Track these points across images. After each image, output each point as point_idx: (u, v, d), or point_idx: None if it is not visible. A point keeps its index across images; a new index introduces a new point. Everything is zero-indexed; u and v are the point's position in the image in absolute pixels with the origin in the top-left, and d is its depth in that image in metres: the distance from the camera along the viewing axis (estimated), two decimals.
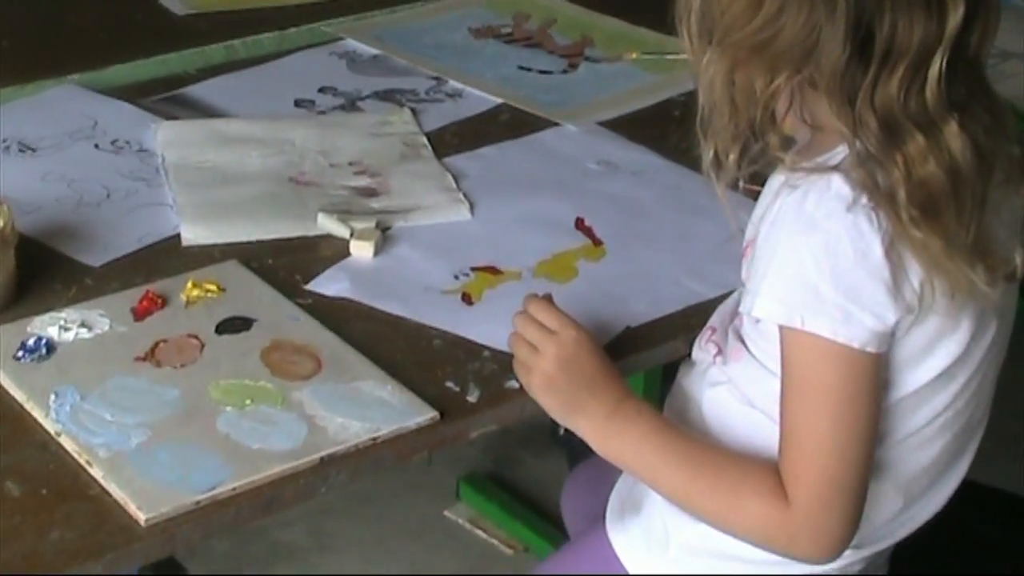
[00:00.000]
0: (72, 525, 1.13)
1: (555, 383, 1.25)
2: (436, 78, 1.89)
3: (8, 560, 1.10)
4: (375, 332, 1.37)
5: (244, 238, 1.51)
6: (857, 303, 1.14)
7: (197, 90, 1.82)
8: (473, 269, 1.48)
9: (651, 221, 1.58)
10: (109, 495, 1.15)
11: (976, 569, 1.48)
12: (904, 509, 1.30)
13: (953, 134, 1.13)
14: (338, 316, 1.38)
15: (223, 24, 1.99)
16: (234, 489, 1.16)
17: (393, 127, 1.75)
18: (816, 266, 1.14)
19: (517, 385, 1.29)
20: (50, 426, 1.22)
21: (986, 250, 1.16)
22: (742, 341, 1.28)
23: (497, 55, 1.97)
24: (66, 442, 1.20)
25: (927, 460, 1.28)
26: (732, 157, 1.19)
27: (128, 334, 1.33)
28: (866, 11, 1.11)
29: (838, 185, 1.14)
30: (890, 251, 1.14)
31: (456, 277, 1.46)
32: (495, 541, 2.28)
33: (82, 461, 1.18)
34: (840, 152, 1.16)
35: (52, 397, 1.24)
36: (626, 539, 1.39)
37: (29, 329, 1.33)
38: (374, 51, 1.96)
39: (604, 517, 1.42)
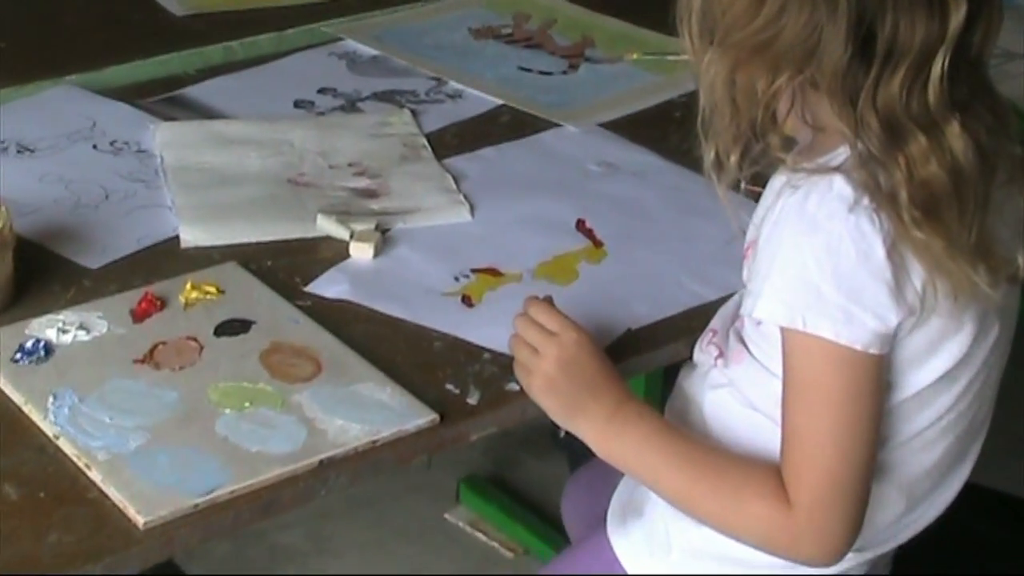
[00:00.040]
0: (70, 528, 1.13)
1: (556, 385, 1.25)
2: (436, 79, 1.88)
3: (6, 564, 1.10)
4: (375, 334, 1.37)
5: (243, 240, 1.50)
6: (859, 304, 1.14)
7: (196, 91, 1.82)
8: (473, 271, 1.48)
9: (652, 223, 1.58)
10: (107, 498, 1.15)
11: (980, 572, 1.48)
12: (907, 512, 1.30)
13: (955, 134, 1.13)
14: (338, 318, 1.38)
15: (222, 25, 1.99)
16: (233, 492, 1.16)
17: (393, 128, 1.75)
18: (818, 267, 1.14)
19: (517, 387, 1.29)
20: (48, 429, 1.22)
21: (988, 251, 1.16)
22: (743, 343, 1.27)
23: (497, 56, 1.97)
24: (64, 445, 1.20)
25: (930, 462, 1.28)
26: (733, 158, 1.18)
27: (127, 336, 1.33)
28: (868, 11, 1.10)
29: (840, 186, 1.14)
30: (892, 252, 1.13)
31: (456, 279, 1.46)
32: (495, 544, 2.28)
33: (80, 464, 1.18)
34: (842, 153, 1.16)
35: (50, 400, 1.24)
36: (627, 543, 1.38)
37: (27, 331, 1.32)
38: (374, 52, 1.95)
39: (605, 520, 1.41)
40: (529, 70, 1.93)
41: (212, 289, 1.39)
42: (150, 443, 1.20)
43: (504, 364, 1.31)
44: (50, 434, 1.21)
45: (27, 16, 2.00)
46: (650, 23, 1.99)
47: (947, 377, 1.23)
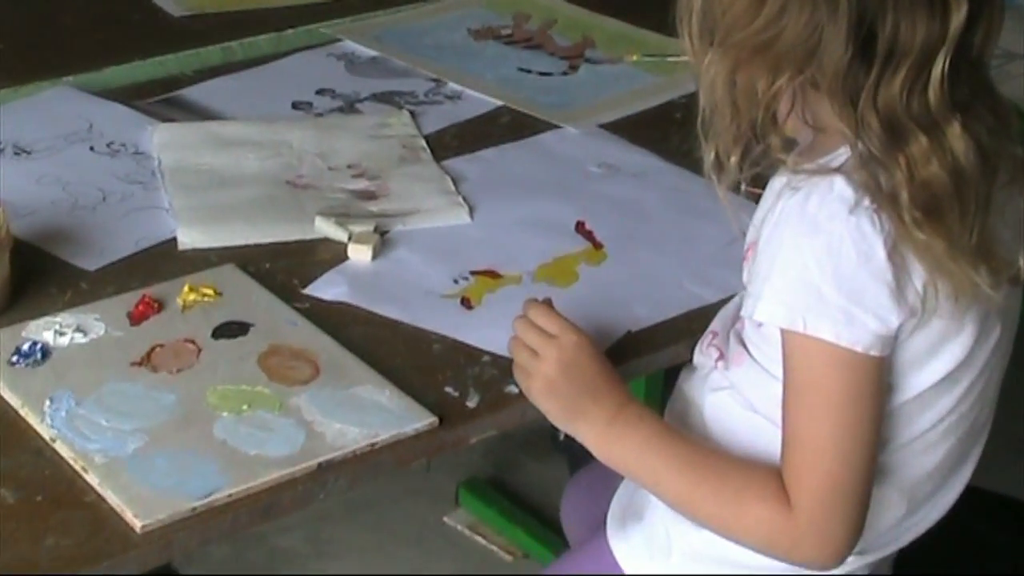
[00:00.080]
0: (67, 532, 1.12)
1: (556, 388, 1.25)
2: (435, 80, 1.88)
3: (3, 567, 1.09)
4: (373, 337, 1.36)
5: (241, 242, 1.50)
6: (860, 306, 1.14)
7: (194, 92, 1.82)
8: (473, 273, 1.47)
9: (653, 224, 1.58)
10: (105, 502, 1.15)
11: (981, 575, 1.47)
12: (908, 514, 1.30)
13: (956, 135, 1.13)
14: (336, 320, 1.38)
15: (220, 25, 1.98)
16: (231, 495, 1.16)
17: (392, 129, 1.74)
18: (819, 268, 1.14)
19: (517, 390, 1.29)
20: (45, 432, 1.21)
21: (990, 252, 1.16)
22: (744, 345, 1.27)
23: (497, 56, 1.96)
24: (61, 448, 1.20)
25: (931, 465, 1.28)
26: (733, 159, 1.18)
27: (124, 339, 1.33)
28: (868, 11, 1.10)
29: (840, 187, 1.14)
30: (893, 253, 1.13)
31: (455, 281, 1.46)
32: (494, 547, 2.27)
33: (77, 467, 1.18)
34: (842, 154, 1.16)
35: (47, 402, 1.24)
36: (628, 546, 1.38)
37: (24, 334, 1.32)
38: (372, 52, 1.95)
39: (605, 524, 1.41)
40: (529, 71, 1.93)
41: (210, 291, 1.39)
42: (148, 446, 1.20)
43: (503, 367, 1.31)
44: (47, 437, 1.21)
45: (24, 17, 2.00)
46: (650, 24, 1.99)
47: (948, 379, 1.23)
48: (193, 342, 1.32)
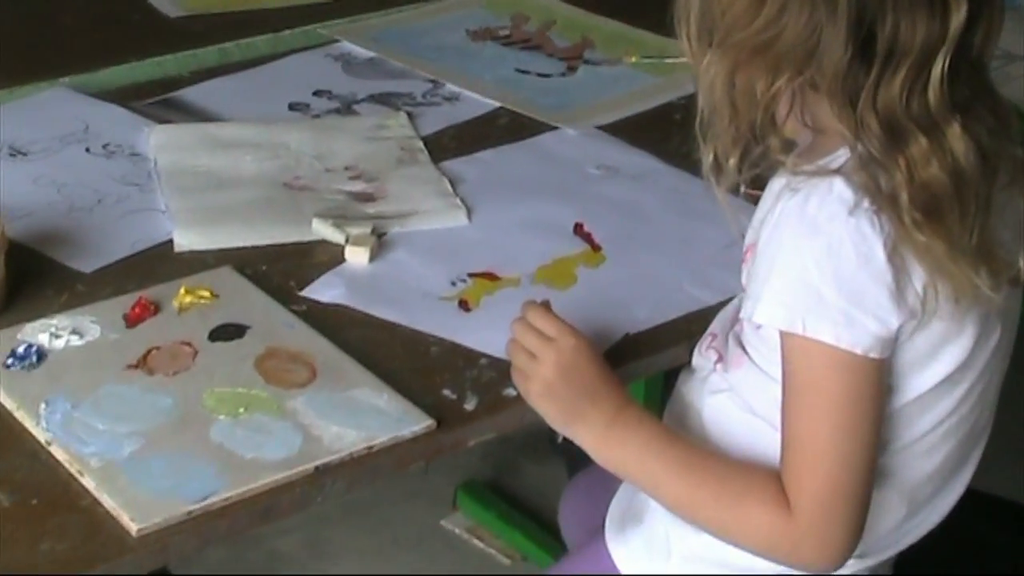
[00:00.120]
0: (63, 536, 1.12)
1: (554, 391, 1.24)
2: (433, 81, 1.88)
3: None
4: (371, 339, 1.36)
5: (238, 244, 1.49)
6: (860, 307, 1.13)
7: (190, 93, 1.81)
8: (471, 275, 1.47)
9: (652, 226, 1.57)
10: (101, 505, 1.15)
11: None
12: (908, 517, 1.29)
13: (956, 136, 1.12)
14: (333, 323, 1.37)
15: (216, 26, 1.98)
16: (227, 499, 1.16)
17: (389, 131, 1.74)
18: (818, 270, 1.13)
19: (515, 393, 1.28)
20: (41, 435, 1.21)
21: (990, 254, 1.16)
22: (743, 347, 1.27)
23: (495, 57, 1.96)
24: (57, 451, 1.19)
25: (931, 467, 1.28)
26: (732, 161, 1.18)
27: (120, 341, 1.32)
28: (868, 11, 1.10)
29: (840, 188, 1.13)
30: (893, 255, 1.13)
31: (453, 283, 1.45)
32: (493, 550, 2.27)
33: (73, 471, 1.17)
34: (841, 155, 1.16)
35: (43, 405, 1.23)
36: (627, 550, 1.38)
37: (19, 336, 1.32)
38: (370, 53, 1.94)
39: (604, 527, 1.41)
40: (527, 72, 1.92)
41: (206, 293, 1.39)
42: (144, 449, 1.19)
43: (502, 369, 1.30)
44: (42, 440, 1.20)
45: (20, 18, 2.00)
46: (650, 24, 1.98)
47: (949, 381, 1.23)
48: (189, 344, 1.32)
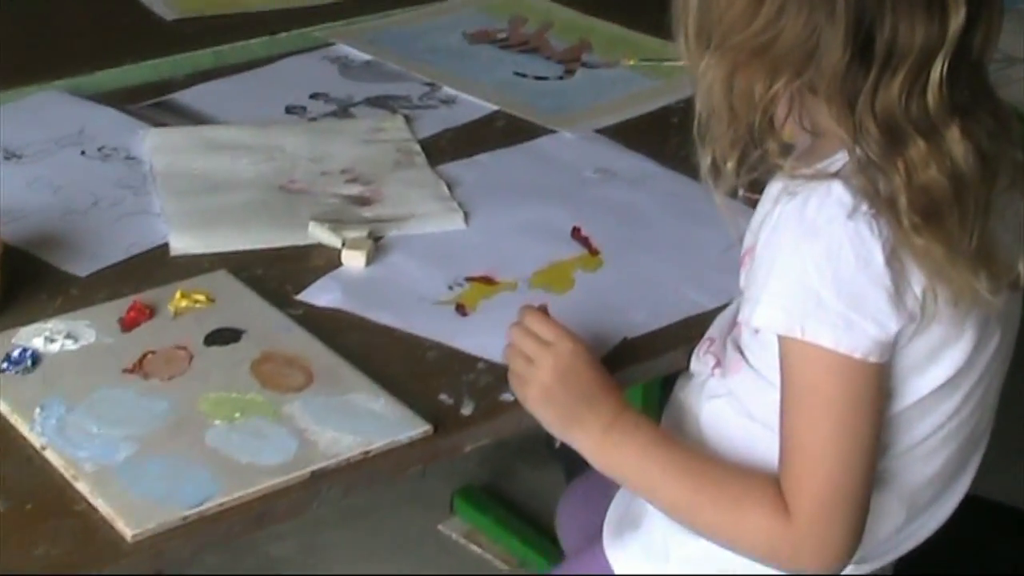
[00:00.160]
0: (58, 541, 1.12)
1: (552, 396, 1.24)
2: (430, 84, 1.87)
3: None
4: (367, 343, 1.36)
5: (234, 247, 1.49)
6: (859, 311, 1.13)
7: (186, 96, 1.81)
8: (467, 279, 1.46)
9: (650, 230, 1.57)
10: (95, 510, 1.14)
11: None
12: (908, 522, 1.29)
13: (955, 139, 1.12)
14: (330, 327, 1.37)
15: (212, 28, 1.98)
16: (223, 504, 1.15)
17: (386, 134, 1.74)
18: (818, 273, 1.13)
19: (512, 398, 1.28)
20: (35, 439, 1.21)
21: (990, 257, 1.15)
22: (741, 352, 1.27)
23: (492, 60, 1.96)
24: (51, 456, 1.19)
25: (931, 472, 1.27)
26: (730, 164, 1.18)
27: (115, 345, 1.32)
28: (866, 13, 1.10)
29: (839, 192, 1.13)
30: (892, 259, 1.12)
31: (450, 287, 1.45)
32: (490, 556, 2.27)
33: (68, 475, 1.17)
34: (840, 158, 1.15)
35: (37, 410, 1.23)
36: (624, 556, 1.37)
37: (14, 340, 1.31)
38: (366, 56, 1.94)
39: (601, 533, 1.40)
40: (525, 75, 1.92)
41: (202, 297, 1.38)
42: (139, 454, 1.19)
43: (499, 374, 1.30)
44: (37, 445, 1.20)
45: (15, 20, 1.99)
46: (648, 26, 1.98)
47: (948, 385, 1.22)
48: (185, 349, 1.32)
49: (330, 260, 1.48)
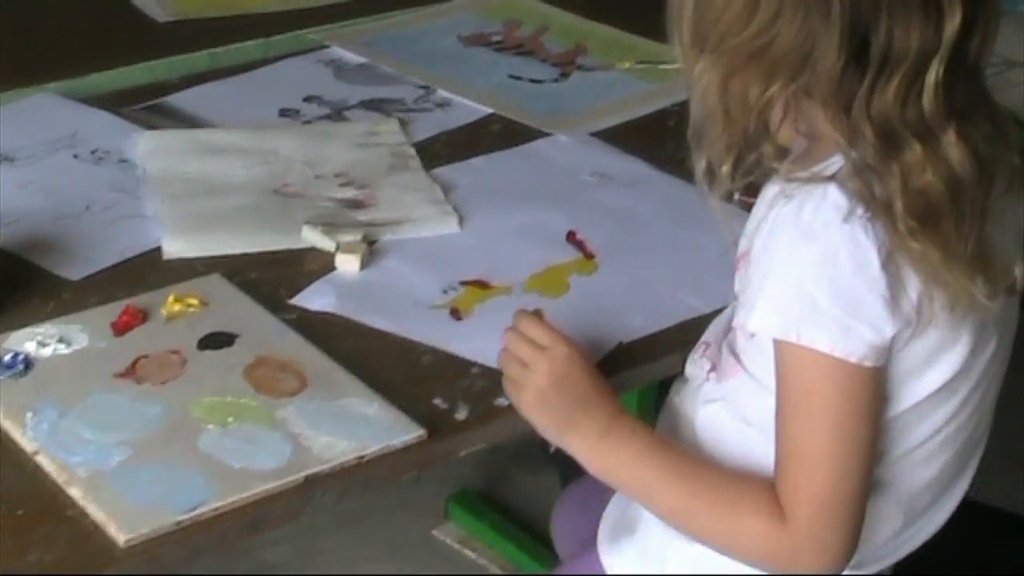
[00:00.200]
0: (50, 547, 1.11)
1: (547, 401, 1.23)
2: (425, 87, 1.87)
3: None
4: (362, 348, 1.35)
5: (227, 251, 1.49)
6: (855, 316, 1.13)
7: (179, 99, 1.81)
8: (462, 283, 1.46)
9: (645, 234, 1.57)
10: (88, 516, 1.14)
11: None
12: (905, 527, 1.29)
13: (951, 143, 1.12)
14: (324, 332, 1.36)
15: (206, 31, 1.97)
16: (216, 509, 1.15)
17: (380, 137, 1.73)
18: (814, 278, 1.13)
19: (507, 403, 1.27)
20: (27, 445, 1.20)
21: (987, 262, 1.15)
22: (736, 356, 1.26)
23: (488, 63, 1.95)
24: (44, 461, 1.18)
25: (928, 476, 1.27)
26: (726, 168, 1.18)
27: (108, 350, 1.32)
28: (862, 17, 1.09)
29: (834, 196, 1.13)
30: (887, 263, 1.12)
31: (445, 292, 1.45)
32: (485, 561, 2.26)
33: (60, 481, 1.17)
34: (836, 162, 1.15)
35: (29, 415, 1.23)
36: (620, 561, 1.37)
37: (6, 345, 1.31)
38: (361, 59, 1.94)
39: (596, 538, 1.40)
40: (520, 78, 1.92)
41: (195, 301, 1.38)
42: (132, 459, 1.19)
43: (493, 379, 1.29)
44: (29, 450, 1.20)
45: (7, 23, 1.99)
46: (644, 29, 1.98)
47: (945, 389, 1.22)
48: (178, 353, 1.31)
49: (324, 264, 1.47)
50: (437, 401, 1.29)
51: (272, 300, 1.41)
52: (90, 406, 1.24)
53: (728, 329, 1.28)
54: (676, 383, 1.36)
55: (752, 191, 1.22)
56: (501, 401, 1.28)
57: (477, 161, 1.70)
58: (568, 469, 1.41)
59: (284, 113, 1.79)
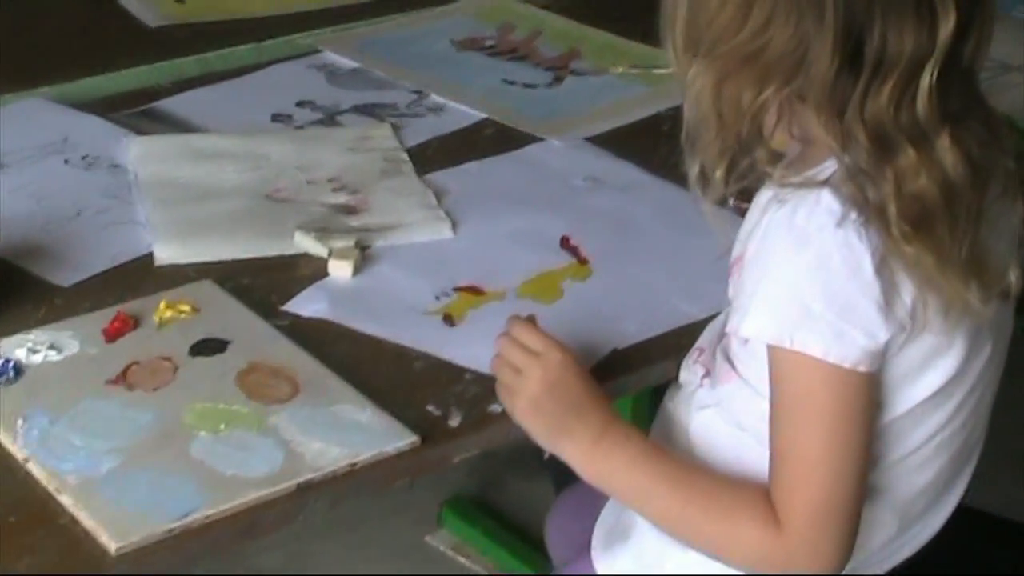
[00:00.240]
0: (41, 554, 1.11)
1: (540, 407, 1.23)
2: (418, 92, 1.86)
3: None
4: (354, 354, 1.35)
5: (219, 257, 1.48)
6: (848, 321, 1.13)
7: (171, 104, 1.80)
8: (455, 289, 1.46)
9: (639, 239, 1.56)
10: (79, 523, 1.13)
11: None
12: (900, 534, 1.28)
13: (945, 147, 1.12)
14: (316, 338, 1.36)
15: (198, 35, 1.97)
16: (208, 517, 1.14)
17: (373, 142, 1.73)
18: (807, 283, 1.13)
19: (500, 409, 1.27)
20: (18, 452, 1.20)
21: (981, 266, 1.15)
22: (730, 362, 1.26)
23: (481, 67, 1.95)
24: (34, 468, 1.18)
25: (923, 482, 1.27)
26: (719, 173, 1.18)
27: (99, 356, 1.31)
28: (855, 21, 1.09)
29: (828, 200, 1.12)
30: (881, 267, 1.12)
31: (438, 297, 1.44)
32: (478, 568, 2.26)
33: (51, 488, 1.16)
34: (829, 166, 1.15)
35: (20, 422, 1.22)
36: (613, 568, 1.37)
37: None
38: (354, 64, 1.93)
39: (590, 545, 1.40)
40: (513, 82, 1.91)
41: (187, 307, 1.38)
42: (123, 466, 1.18)
43: (487, 385, 1.29)
44: (19, 457, 1.19)
45: None
46: (638, 34, 1.97)
47: (940, 394, 1.22)
48: (170, 359, 1.31)
49: (317, 270, 1.47)
50: (430, 407, 1.28)
51: (264, 306, 1.40)
52: (81, 413, 1.24)
53: (722, 335, 1.28)
54: (670, 389, 1.36)
55: (746, 196, 1.22)
56: (494, 407, 1.28)
57: (470, 166, 1.70)
58: (562, 476, 1.41)
59: (276, 118, 1.79)
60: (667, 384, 1.37)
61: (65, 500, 1.15)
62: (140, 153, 1.66)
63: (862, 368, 1.14)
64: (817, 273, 1.12)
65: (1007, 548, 1.49)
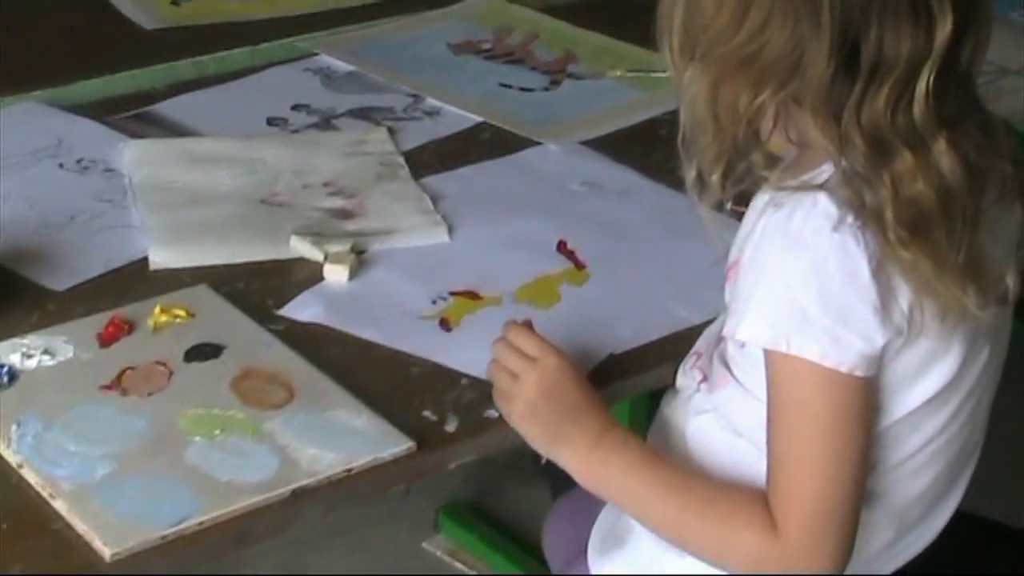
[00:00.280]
0: (35, 560, 1.11)
1: (537, 412, 1.23)
2: (414, 95, 1.86)
3: None
4: (350, 359, 1.35)
5: (214, 261, 1.48)
6: (845, 325, 1.12)
7: (166, 107, 1.80)
8: (452, 294, 1.45)
9: (636, 243, 1.56)
10: (73, 529, 1.13)
11: None
12: (897, 539, 1.28)
13: (942, 151, 1.12)
14: (312, 343, 1.36)
15: (193, 39, 1.97)
16: (202, 523, 1.14)
17: (369, 146, 1.73)
18: (803, 287, 1.12)
19: (497, 414, 1.27)
20: (11, 457, 1.19)
21: (978, 271, 1.15)
22: (727, 367, 1.26)
23: (477, 71, 1.95)
24: (28, 474, 1.18)
25: (921, 488, 1.27)
26: (715, 176, 1.18)
27: (93, 361, 1.31)
28: (852, 24, 1.09)
29: (824, 204, 1.12)
30: (878, 272, 1.12)
31: (434, 302, 1.44)
32: (475, 574, 2.25)
33: (45, 494, 1.16)
34: (826, 170, 1.15)
35: (14, 427, 1.22)
36: (610, 573, 1.36)
37: None
38: (349, 67, 1.93)
39: (587, 551, 1.39)
40: (510, 86, 1.91)
41: (182, 312, 1.37)
42: (117, 472, 1.18)
43: (483, 390, 1.29)
44: (13, 463, 1.19)
45: None
46: (634, 37, 1.97)
47: (937, 399, 1.22)
48: (164, 365, 1.31)
49: (312, 274, 1.47)
50: (426, 413, 1.28)
51: (260, 311, 1.40)
52: (75, 418, 1.23)
53: (719, 339, 1.28)
54: (667, 394, 1.36)
55: (743, 200, 1.21)
56: (491, 413, 1.28)
57: (467, 170, 1.69)
58: (559, 481, 1.41)
59: (272, 122, 1.78)
60: (664, 389, 1.37)
61: (59, 506, 1.15)
62: (135, 157, 1.66)
63: (859, 373, 1.14)
64: (813, 277, 1.12)
65: (1005, 554, 1.49)
